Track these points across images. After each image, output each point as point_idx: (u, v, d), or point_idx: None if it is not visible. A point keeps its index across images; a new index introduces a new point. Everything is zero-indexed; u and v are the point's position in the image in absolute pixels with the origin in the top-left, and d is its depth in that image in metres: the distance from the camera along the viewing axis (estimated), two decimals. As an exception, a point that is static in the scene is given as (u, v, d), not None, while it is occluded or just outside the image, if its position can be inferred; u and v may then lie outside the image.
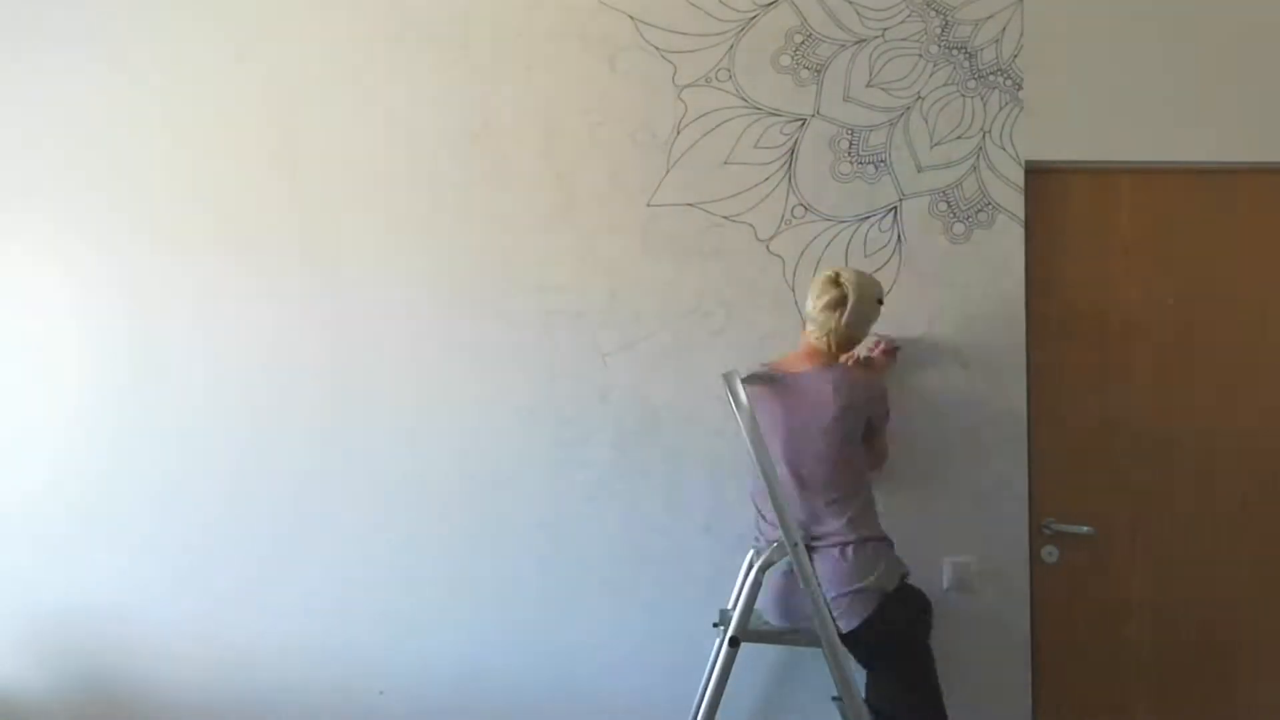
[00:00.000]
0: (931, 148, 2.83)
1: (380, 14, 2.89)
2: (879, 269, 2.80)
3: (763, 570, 2.45)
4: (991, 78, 2.83)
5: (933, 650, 2.53)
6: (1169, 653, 2.85)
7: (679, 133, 2.85)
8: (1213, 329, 2.87)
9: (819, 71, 2.85)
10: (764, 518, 2.57)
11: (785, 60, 2.85)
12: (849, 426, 2.49)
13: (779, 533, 2.40)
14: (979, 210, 2.82)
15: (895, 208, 2.83)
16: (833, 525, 2.48)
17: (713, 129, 2.85)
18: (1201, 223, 2.88)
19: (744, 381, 2.46)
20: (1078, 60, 2.82)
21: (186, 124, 2.91)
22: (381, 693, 2.87)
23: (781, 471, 2.48)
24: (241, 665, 2.88)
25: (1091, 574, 2.85)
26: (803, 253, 2.83)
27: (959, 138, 2.82)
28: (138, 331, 2.91)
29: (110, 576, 2.91)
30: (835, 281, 2.53)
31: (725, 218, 2.85)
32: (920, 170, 2.83)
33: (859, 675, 2.49)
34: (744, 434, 2.40)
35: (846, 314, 2.50)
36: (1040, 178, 2.84)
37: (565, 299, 2.86)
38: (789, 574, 2.45)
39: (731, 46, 2.85)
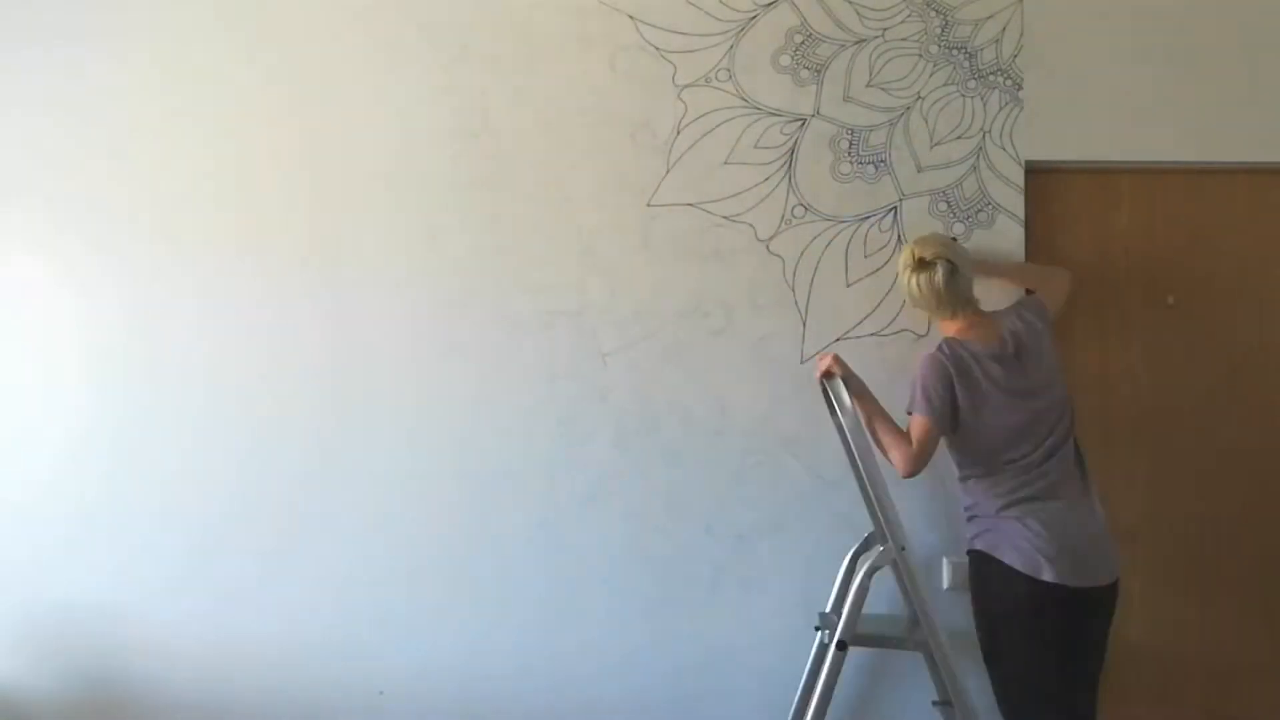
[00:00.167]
0: (931, 148, 2.83)
1: (380, 14, 2.90)
2: (879, 269, 2.81)
3: (869, 575, 2.44)
4: (991, 78, 2.83)
5: None
6: (1169, 652, 2.85)
7: (679, 133, 2.85)
8: (1213, 329, 2.86)
9: (819, 71, 2.85)
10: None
11: (785, 60, 2.85)
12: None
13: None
14: (979, 210, 2.82)
15: (895, 208, 2.83)
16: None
17: (713, 129, 2.85)
18: (1202, 223, 2.88)
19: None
20: (1078, 60, 2.82)
21: (187, 125, 2.92)
22: (381, 693, 2.87)
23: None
24: (241, 665, 2.88)
25: (1091, 574, 2.85)
26: (803, 253, 2.83)
27: (959, 138, 2.82)
28: (138, 331, 2.91)
29: (110, 576, 2.91)
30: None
31: (725, 218, 2.85)
32: (920, 170, 2.83)
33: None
34: (848, 436, 2.45)
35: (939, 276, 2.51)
36: (1040, 178, 2.84)
37: (565, 299, 2.86)
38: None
39: (731, 46, 2.85)
